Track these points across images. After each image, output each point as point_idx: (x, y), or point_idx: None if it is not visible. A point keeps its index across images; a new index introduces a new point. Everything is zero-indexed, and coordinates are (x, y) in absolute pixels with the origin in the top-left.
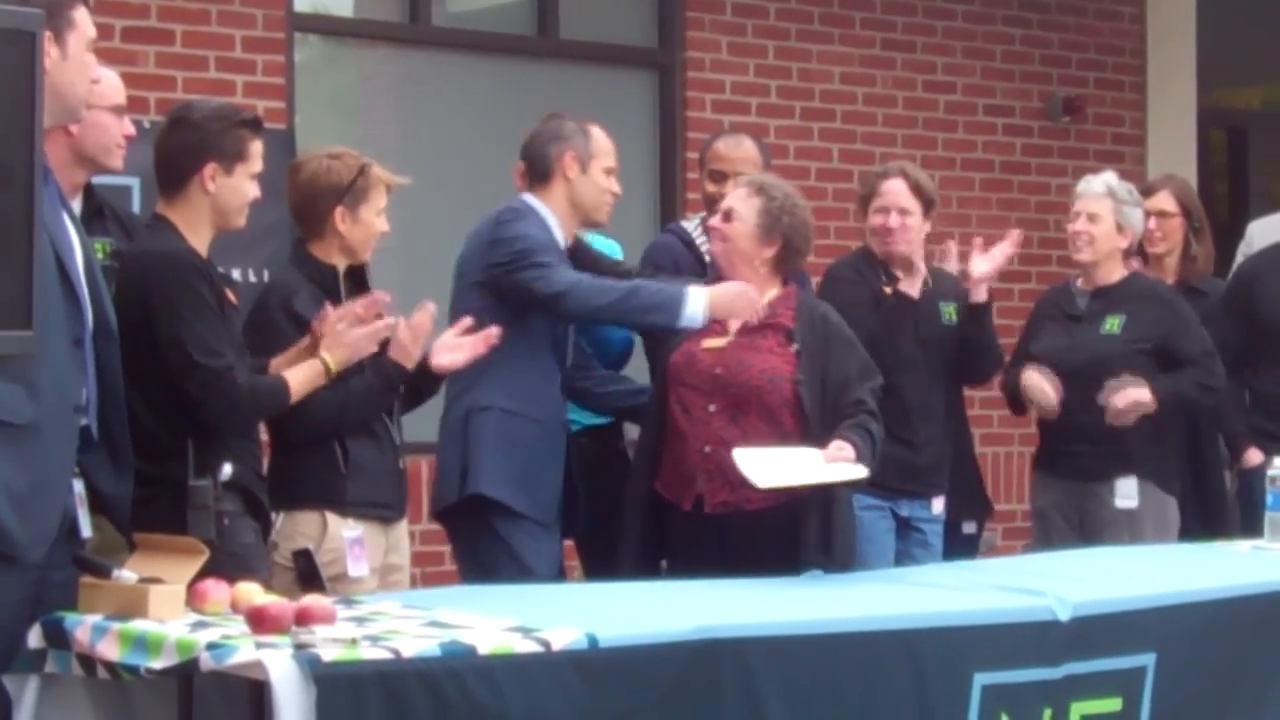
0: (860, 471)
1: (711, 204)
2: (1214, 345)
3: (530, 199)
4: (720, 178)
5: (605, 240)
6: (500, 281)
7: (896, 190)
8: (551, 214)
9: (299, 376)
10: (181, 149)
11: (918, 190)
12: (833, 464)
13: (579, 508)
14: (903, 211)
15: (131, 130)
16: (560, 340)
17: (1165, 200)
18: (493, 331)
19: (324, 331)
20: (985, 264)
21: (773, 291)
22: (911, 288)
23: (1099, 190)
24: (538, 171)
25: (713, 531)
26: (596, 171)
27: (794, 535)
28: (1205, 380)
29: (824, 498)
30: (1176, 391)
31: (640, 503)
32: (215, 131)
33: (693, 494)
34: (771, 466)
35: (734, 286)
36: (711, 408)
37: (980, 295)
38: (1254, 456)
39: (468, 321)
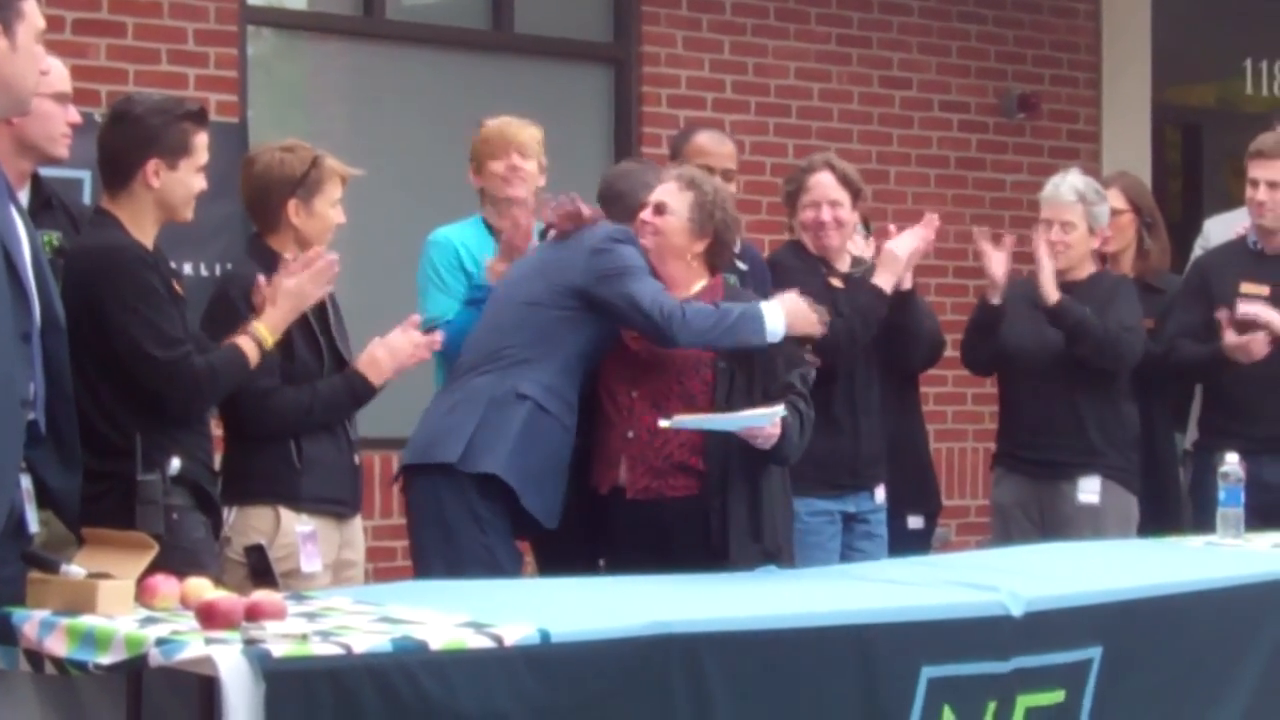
0: (776, 411)
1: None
2: (1169, 335)
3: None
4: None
5: None
6: (600, 288)
7: (825, 183)
8: None
9: (251, 345)
10: (124, 145)
11: (845, 181)
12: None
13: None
14: (833, 204)
15: (77, 118)
16: (598, 355)
17: (1115, 197)
18: (436, 338)
19: (265, 299)
20: (904, 244)
21: (701, 282)
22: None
23: (1070, 198)
24: (622, 207)
25: (637, 518)
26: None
27: (720, 522)
28: (1119, 332)
29: (751, 484)
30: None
31: (575, 491)
32: (157, 126)
33: (613, 480)
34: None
35: (800, 300)
36: (634, 394)
37: (906, 282)
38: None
39: (415, 319)
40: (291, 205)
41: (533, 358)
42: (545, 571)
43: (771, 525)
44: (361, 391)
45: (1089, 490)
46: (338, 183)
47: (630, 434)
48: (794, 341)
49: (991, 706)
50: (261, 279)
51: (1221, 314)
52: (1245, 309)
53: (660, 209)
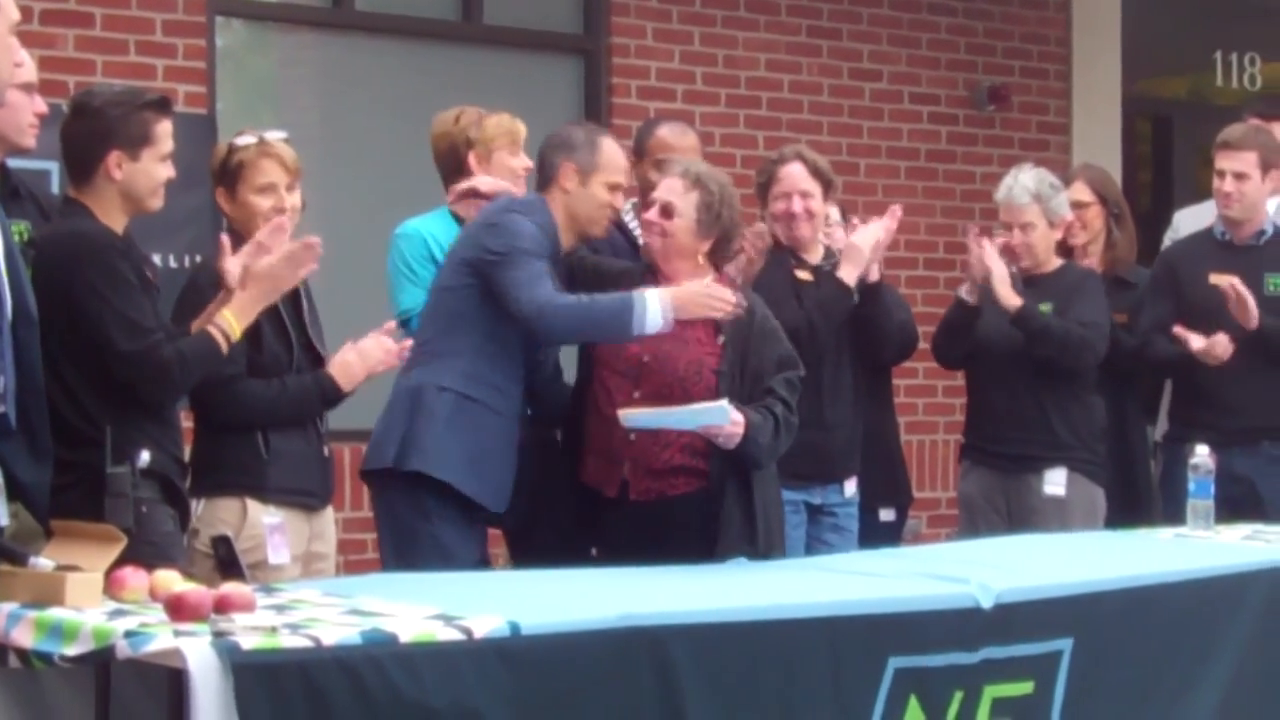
0: (720, 405)
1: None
2: (1142, 329)
3: (543, 199)
4: (614, 189)
5: None
6: (486, 269)
7: (796, 174)
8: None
9: (219, 333)
10: (84, 138)
11: (816, 173)
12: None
13: (520, 503)
14: (804, 195)
15: (43, 108)
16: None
17: (1081, 190)
18: (407, 344)
19: (227, 269)
20: (867, 236)
21: (706, 280)
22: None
23: (1024, 200)
24: (541, 176)
25: (638, 518)
26: (597, 186)
27: (713, 525)
28: (1080, 333)
29: (743, 483)
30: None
31: (566, 488)
32: (117, 118)
33: (618, 480)
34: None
35: (695, 286)
36: (636, 394)
37: (873, 274)
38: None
39: (391, 325)
40: (220, 194)
41: (446, 350)
42: (518, 564)
43: (766, 526)
44: (330, 394)
45: (1055, 482)
46: (264, 168)
47: (633, 436)
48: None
49: (958, 697)
50: (225, 242)
51: (1178, 330)
52: (1217, 280)
53: (667, 210)
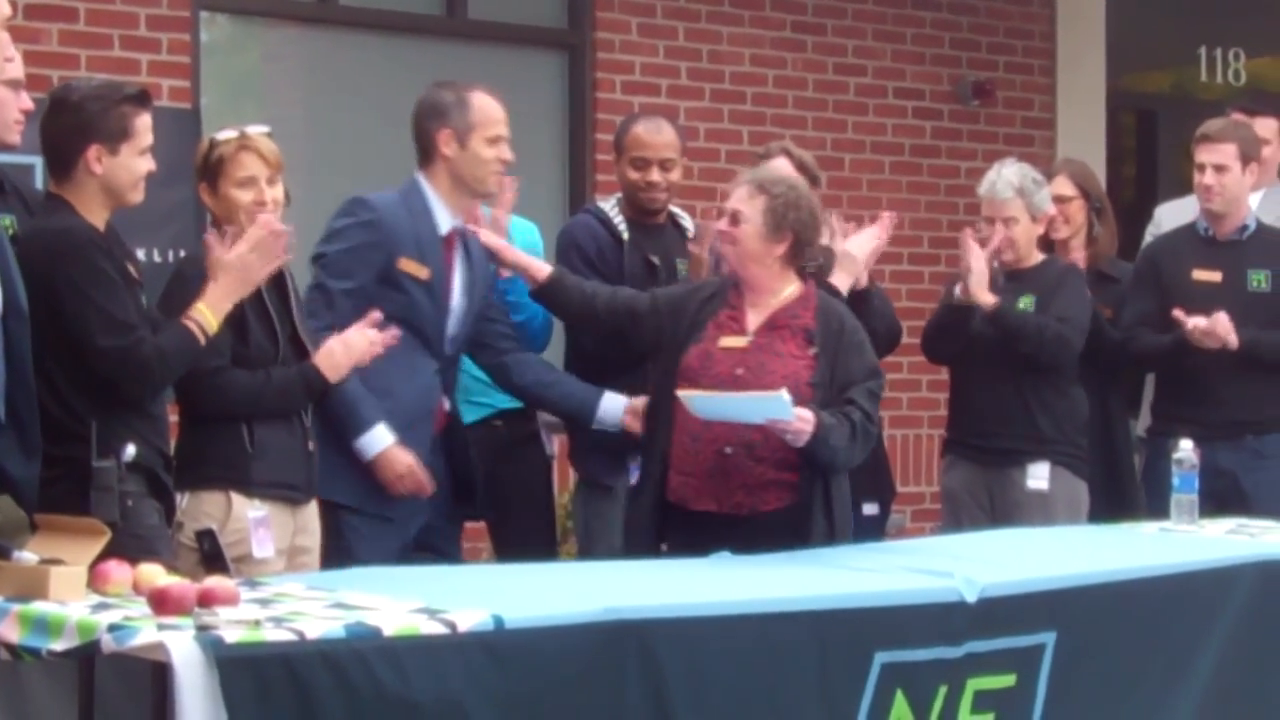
0: (777, 395)
1: (634, 190)
2: (1126, 324)
3: (419, 179)
4: (644, 164)
5: (523, 222)
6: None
7: (783, 169)
8: (435, 194)
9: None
10: (63, 133)
11: (802, 168)
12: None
13: (475, 491)
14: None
15: (29, 104)
16: (435, 323)
17: (1063, 184)
18: (394, 334)
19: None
20: (862, 244)
21: (791, 288)
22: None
23: (1007, 194)
24: (420, 149)
25: (725, 532)
26: (478, 144)
27: (802, 535)
28: (1057, 329)
29: (826, 495)
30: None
31: (650, 504)
32: (95, 113)
33: (710, 495)
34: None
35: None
36: (680, 393)
37: (862, 280)
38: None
39: (377, 315)
40: (203, 190)
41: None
42: (501, 558)
43: (843, 537)
44: (316, 385)
45: (1038, 476)
46: (243, 162)
47: (728, 450)
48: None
49: (942, 691)
50: (211, 239)
51: (1177, 312)
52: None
53: (735, 218)
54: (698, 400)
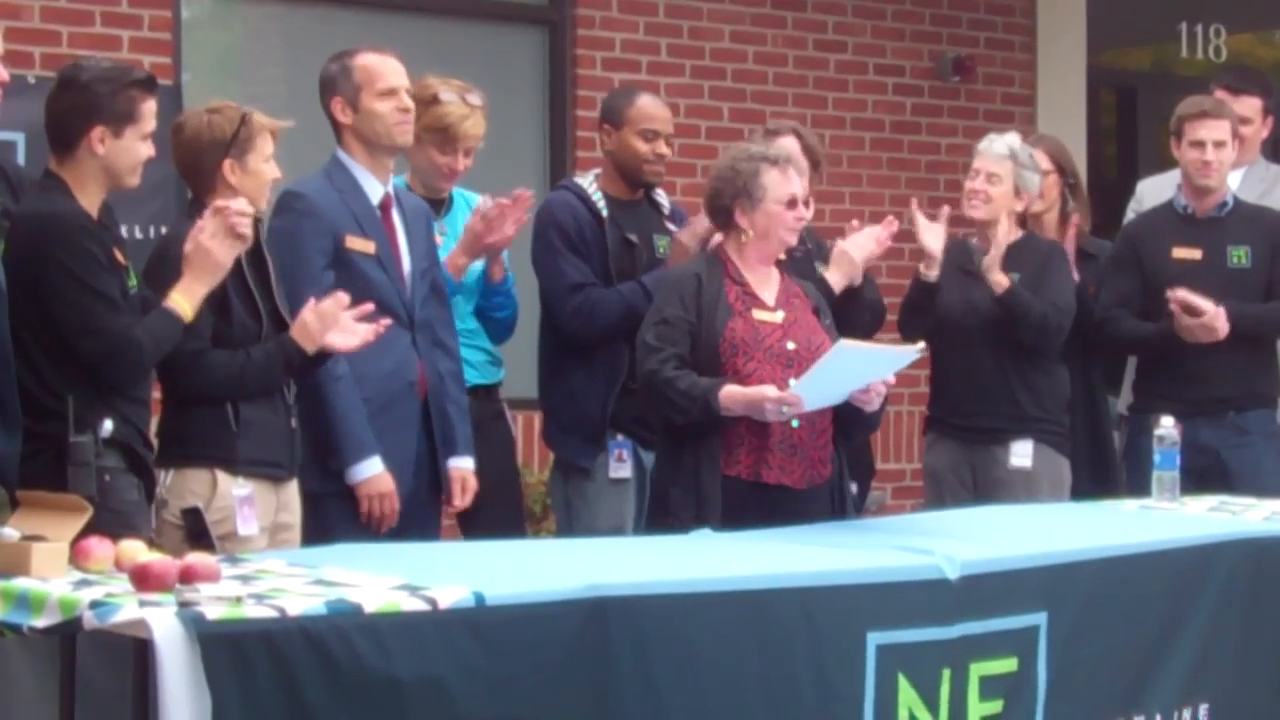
0: (914, 349)
1: (639, 162)
2: (1105, 305)
3: (338, 154)
4: (653, 136)
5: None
6: None
7: (791, 149)
8: (356, 164)
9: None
10: (69, 111)
11: (808, 150)
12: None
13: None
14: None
15: (5, 77)
16: (395, 293)
17: (1041, 159)
18: (385, 322)
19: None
20: (861, 247)
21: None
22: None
23: (1001, 152)
24: (332, 128)
25: (791, 505)
26: (370, 101)
27: (837, 507)
28: (1057, 320)
29: (841, 468)
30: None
31: (714, 482)
32: (103, 94)
33: (780, 468)
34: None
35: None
36: (792, 381)
37: (857, 280)
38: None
39: (344, 298)
40: (227, 165)
41: None
42: (468, 536)
43: (852, 509)
44: (294, 357)
45: (1021, 454)
46: (268, 137)
47: (796, 423)
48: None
49: (946, 674)
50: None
51: (1174, 298)
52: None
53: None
54: (852, 351)
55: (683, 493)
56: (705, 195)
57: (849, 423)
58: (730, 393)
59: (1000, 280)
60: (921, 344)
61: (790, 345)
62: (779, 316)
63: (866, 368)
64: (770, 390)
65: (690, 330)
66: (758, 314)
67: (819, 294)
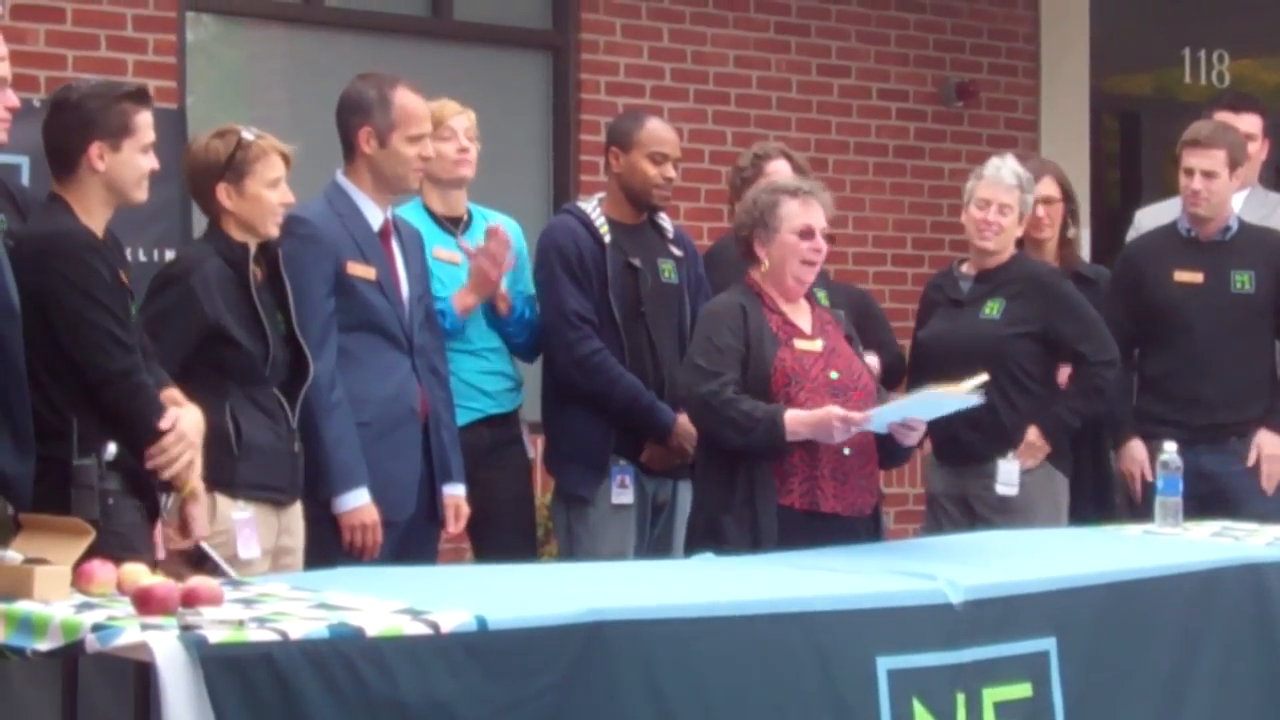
0: (971, 389)
1: (649, 186)
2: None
3: (340, 179)
4: (663, 159)
5: (506, 222)
6: None
7: (783, 171)
8: (360, 191)
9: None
10: (65, 131)
11: (798, 171)
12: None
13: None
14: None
15: (15, 102)
16: (395, 318)
17: (1050, 186)
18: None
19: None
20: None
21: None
22: None
23: (1011, 182)
24: (344, 146)
25: (842, 533)
26: (399, 143)
27: (875, 532)
28: (1092, 377)
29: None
30: (1065, 420)
31: (770, 510)
32: (95, 110)
33: (834, 496)
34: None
35: None
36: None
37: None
38: (1136, 451)
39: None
40: (221, 189)
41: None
42: (481, 560)
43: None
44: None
45: (1007, 481)
46: (275, 161)
47: (847, 451)
48: None
49: (961, 699)
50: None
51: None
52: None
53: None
54: (880, 413)
55: (737, 521)
56: (733, 228)
57: (884, 454)
58: (795, 416)
59: (1041, 448)
60: (984, 376)
61: (834, 375)
62: (818, 345)
63: (936, 405)
64: (836, 409)
65: (741, 359)
66: (799, 344)
67: (849, 321)
